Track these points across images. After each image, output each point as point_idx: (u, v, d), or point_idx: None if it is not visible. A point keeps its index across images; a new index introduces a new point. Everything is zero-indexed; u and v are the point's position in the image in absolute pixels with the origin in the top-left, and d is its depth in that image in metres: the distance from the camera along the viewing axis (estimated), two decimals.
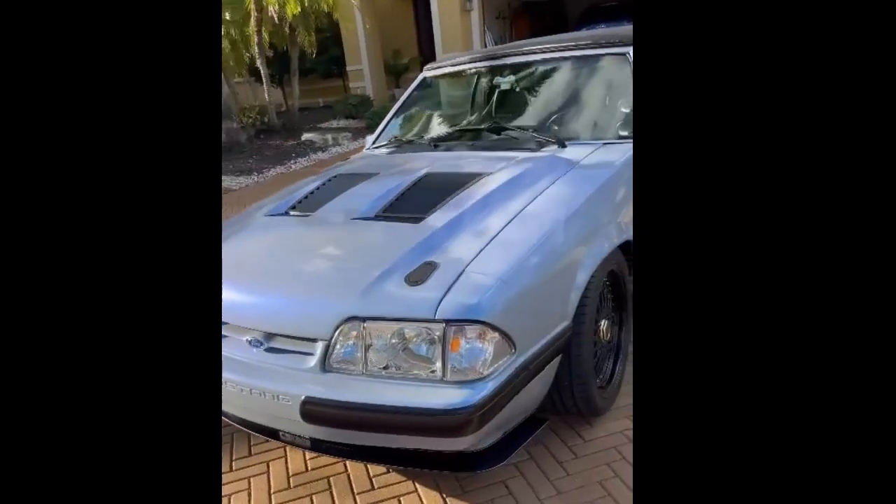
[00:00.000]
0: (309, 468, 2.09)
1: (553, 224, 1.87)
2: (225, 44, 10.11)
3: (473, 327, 1.57)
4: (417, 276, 1.67)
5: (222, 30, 9.82)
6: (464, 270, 1.67)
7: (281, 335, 1.79)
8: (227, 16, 9.78)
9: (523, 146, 2.52)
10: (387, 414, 1.58)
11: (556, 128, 2.68)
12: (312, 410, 1.65)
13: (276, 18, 9.30)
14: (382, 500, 1.90)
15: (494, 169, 2.28)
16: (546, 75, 2.90)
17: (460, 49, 10.81)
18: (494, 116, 2.94)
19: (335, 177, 2.58)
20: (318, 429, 1.71)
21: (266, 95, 10.45)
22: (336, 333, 1.67)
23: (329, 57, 13.66)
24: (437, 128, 3.07)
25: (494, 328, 1.58)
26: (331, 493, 1.96)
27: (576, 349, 1.89)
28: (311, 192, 2.44)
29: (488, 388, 1.57)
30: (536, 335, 1.73)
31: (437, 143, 2.82)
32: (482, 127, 2.88)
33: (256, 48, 9.70)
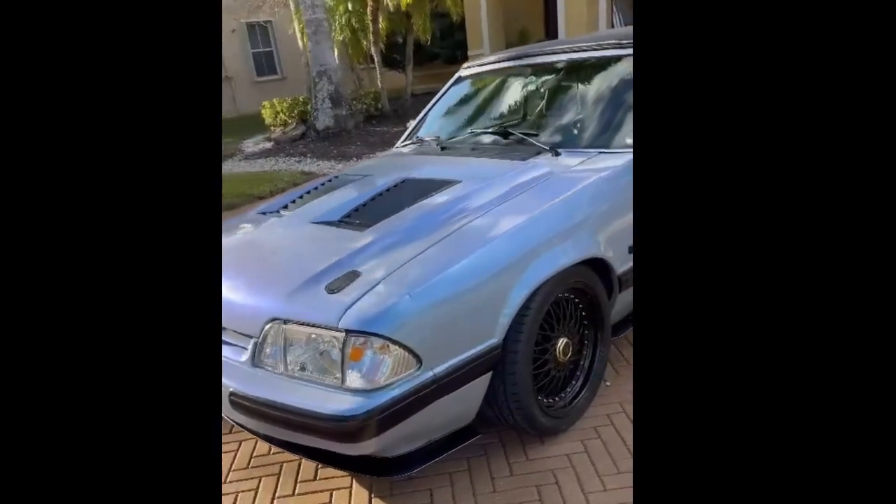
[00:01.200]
0: (270, 452, 2.24)
1: (488, 242, 1.84)
2: (347, 33, 10.59)
3: (374, 339, 1.61)
4: (337, 285, 1.74)
5: (343, 19, 10.30)
6: (377, 283, 1.70)
7: (228, 329, 1.93)
8: (348, 6, 10.24)
9: (518, 153, 2.47)
10: (290, 414, 1.67)
11: (557, 134, 2.59)
12: (237, 401, 1.78)
13: (390, 7, 9.56)
14: (318, 491, 2.01)
15: (468, 178, 2.27)
16: (559, 78, 2.80)
17: (584, 31, 10.44)
18: (505, 119, 2.89)
19: (335, 177, 2.68)
20: (243, 418, 1.83)
21: (378, 82, 10.82)
22: (263, 332, 1.78)
23: (453, 41, 13.81)
24: (453, 129, 3.07)
25: (394, 342, 1.61)
26: (278, 477, 2.10)
27: (509, 367, 1.86)
28: (306, 193, 2.56)
29: (384, 398, 1.61)
30: (450, 352, 1.72)
31: (443, 146, 2.83)
32: (478, 131, 2.85)
33: (372, 36, 10.05)
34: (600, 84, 2.65)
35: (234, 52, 16.53)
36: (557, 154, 2.39)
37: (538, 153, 2.43)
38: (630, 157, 2.28)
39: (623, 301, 2.29)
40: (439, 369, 1.69)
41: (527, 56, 2.98)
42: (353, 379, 1.63)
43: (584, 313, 2.16)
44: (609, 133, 2.47)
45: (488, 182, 2.20)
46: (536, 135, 2.57)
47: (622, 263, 2.18)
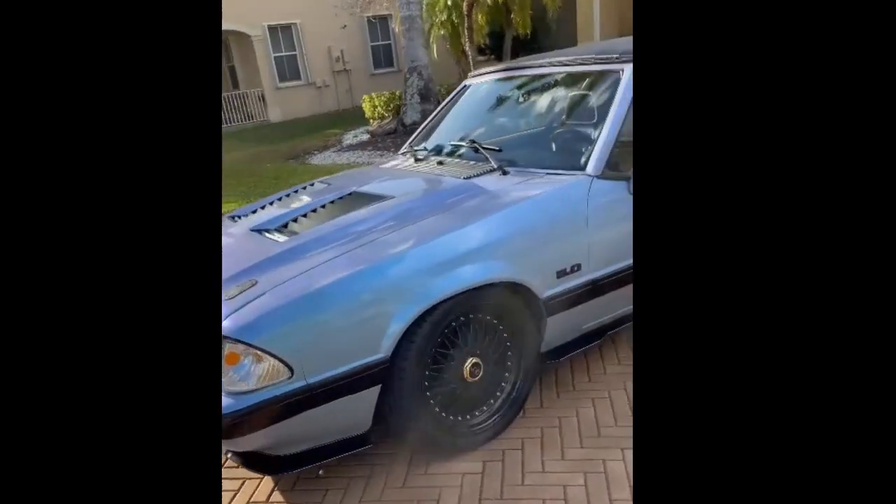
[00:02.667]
0: None
1: (381, 259, 1.90)
2: (448, 28, 10.75)
3: (245, 346, 1.74)
4: (234, 292, 1.88)
5: (443, 15, 10.46)
6: (264, 293, 1.83)
7: None
8: (447, 1, 10.38)
9: (470, 170, 2.49)
10: None
11: (516, 150, 2.57)
12: None
13: (488, 1, 9.59)
14: (233, 479, 2.18)
15: (404, 193, 2.32)
16: (532, 94, 2.76)
17: None
18: (480, 133, 2.88)
19: (310, 184, 2.83)
20: None
21: None
22: None
23: (559, 35, 13.58)
24: (442, 138, 3.10)
25: (263, 350, 1.73)
26: None
27: (397, 382, 1.92)
28: (279, 198, 2.73)
29: (250, 402, 1.74)
30: (329, 363, 1.81)
31: (418, 157, 2.89)
32: (450, 143, 2.86)
33: (466, 31, 10.14)
34: (562, 102, 2.59)
35: (354, 44, 17.28)
36: (505, 173, 2.38)
37: (492, 170, 2.43)
38: (574, 179, 2.24)
39: (557, 326, 2.25)
40: (314, 379, 1.79)
41: (520, 68, 2.95)
42: (229, 381, 1.76)
43: (505, 335, 2.16)
44: (561, 154, 2.42)
45: (418, 199, 2.25)
46: (499, 150, 2.57)
47: (548, 288, 2.15)
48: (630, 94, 2.35)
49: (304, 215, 2.35)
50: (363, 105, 11.21)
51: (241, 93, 16.44)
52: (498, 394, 2.21)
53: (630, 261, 2.33)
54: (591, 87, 2.55)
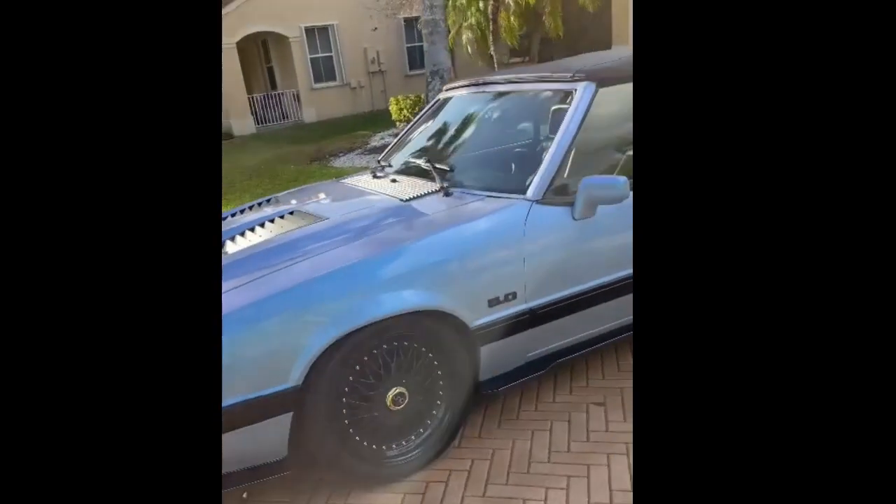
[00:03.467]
0: None
1: (288, 288, 1.87)
2: (477, 32, 10.68)
3: None
4: None
5: (473, 19, 10.40)
6: None
7: None
8: (479, 5, 10.30)
9: (415, 189, 2.44)
10: None
11: (466, 170, 2.49)
12: None
13: (512, 5, 9.48)
14: None
15: (341, 214, 2.29)
16: (494, 110, 2.68)
17: None
18: (438, 151, 2.82)
19: (273, 197, 2.83)
20: None
21: None
22: None
23: (598, 36, 13.33)
24: (407, 153, 3.04)
25: None
26: None
27: (308, 411, 1.88)
28: (244, 209, 2.74)
29: None
30: (233, 390, 1.79)
31: (375, 174, 2.84)
32: (406, 160, 2.80)
33: (491, 34, 10.04)
34: (515, 121, 2.50)
35: (391, 46, 17.34)
36: (448, 194, 2.32)
37: (435, 191, 2.37)
38: (511, 204, 2.16)
39: (495, 355, 2.18)
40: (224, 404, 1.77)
41: (486, 84, 2.88)
42: None
43: (436, 363, 2.10)
44: (506, 176, 2.34)
45: (350, 221, 2.21)
46: (449, 170, 2.50)
47: (478, 317, 2.08)
48: (580, 115, 2.26)
49: (242, 233, 2.34)
50: (390, 107, 11.24)
51: (277, 93, 16.70)
52: (428, 422, 2.15)
53: (573, 289, 2.24)
54: (544, 106, 2.46)
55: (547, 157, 2.21)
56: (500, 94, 2.73)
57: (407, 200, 2.34)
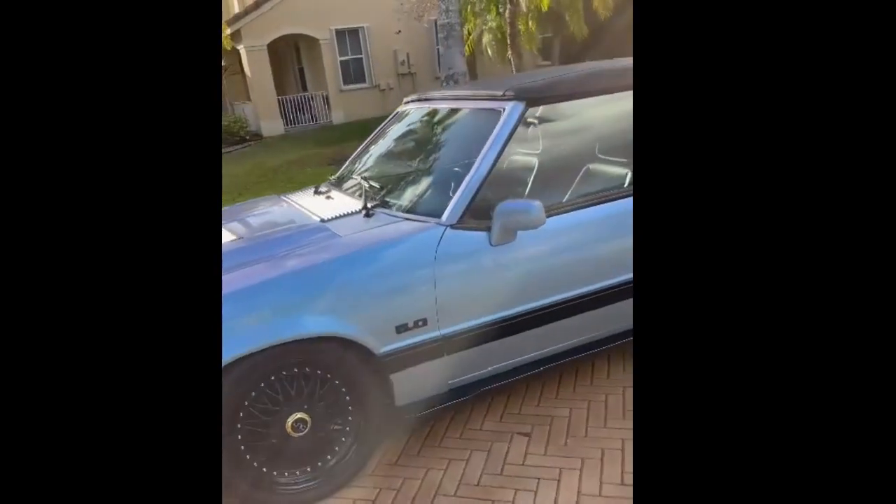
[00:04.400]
0: None
1: None
2: (497, 35, 10.58)
3: None
4: None
5: (493, 23, 10.30)
6: None
7: None
8: (498, 9, 10.20)
9: (342, 208, 2.40)
10: None
11: (394, 191, 2.44)
12: None
13: (525, 8, 9.36)
14: None
15: (253, 235, 2.27)
16: (432, 127, 2.62)
17: None
18: (379, 165, 2.77)
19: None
20: None
21: None
22: None
23: (621, 39, 13.08)
24: (354, 168, 3.01)
25: None
26: None
27: None
28: None
29: None
30: None
31: (317, 190, 2.81)
32: (343, 177, 2.76)
33: (509, 38, 9.94)
34: (446, 139, 2.44)
35: (420, 48, 17.36)
36: (370, 215, 2.27)
37: (358, 211, 2.33)
38: (425, 227, 2.10)
39: (411, 382, 2.12)
40: None
41: (431, 100, 2.82)
42: None
43: (344, 389, 2.06)
44: (426, 197, 2.28)
45: (261, 242, 2.18)
46: (379, 189, 2.46)
47: (385, 344, 2.03)
48: (504, 136, 2.18)
49: None
50: None
51: (306, 95, 16.90)
52: (336, 449, 2.11)
53: (492, 316, 2.17)
54: (474, 125, 2.39)
55: (465, 181, 2.14)
56: (443, 112, 2.67)
57: (325, 221, 2.30)
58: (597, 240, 2.31)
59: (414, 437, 2.39)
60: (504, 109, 2.25)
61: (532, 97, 2.26)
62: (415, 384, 2.15)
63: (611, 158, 2.74)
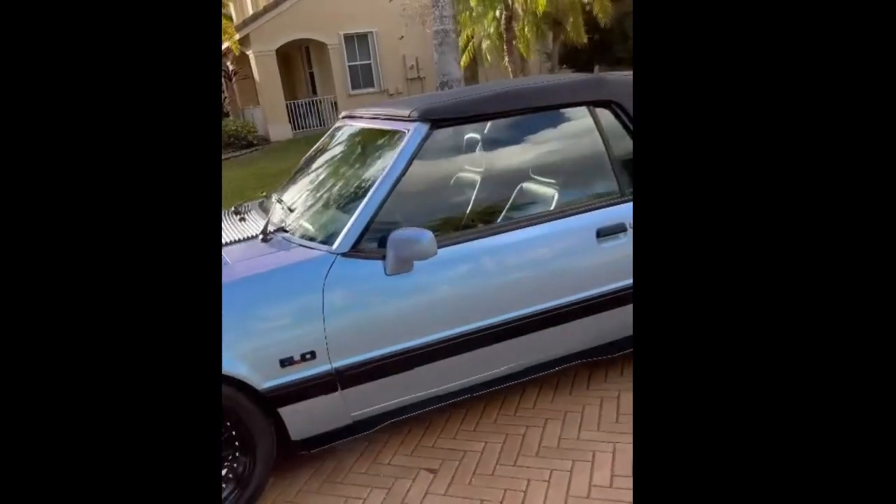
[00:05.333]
0: None
1: None
2: (495, 41, 10.47)
3: None
4: None
5: (491, 28, 10.19)
6: None
7: None
8: (496, 14, 10.09)
9: (243, 231, 2.32)
10: None
11: (302, 213, 2.35)
12: None
13: (520, 12, 9.24)
14: None
15: None
16: (348, 148, 2.53)
17: None
18: (297, 186, 2.68)
19: None
20: None
21: None
22: None
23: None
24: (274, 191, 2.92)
25: None
26: None
27: None
28: None
29: None
30: None
31: (236, 210, 2.73)
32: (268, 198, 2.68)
33: (506, 44, 9.82)
34: (353, 162, 2.35)
35: (429, 53, 17.27)
36: (267, 240, 2.19)
37: (255, 236, 2.25)
38: (313, 256, 2.01)
39: (304, 415, 2.03)
40: None
41: (354, 118, 2.73)
42: None
43: (228, 424, 1.98)
44: (323, 223, 2.19)
45: None
46: (290, 211, 2.37)
47: (268, 379, 1.94)
48: (405, 159, 2.09)
49: None
50: None
51: (315, 99, 16.94)
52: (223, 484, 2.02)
53: (391, 348, 2.07)
54: (382, 147, 2.30)
55: (359, 208, 2.05)
56: (362, 131, 2.57)
57: (227, 244, 2.22)
58: (512, 266, 2.20)
59: (318, 471, 2.30)
60: (408, 131, 2.16)
61: (437, 119, 2.16)
62: (309, 418, 2.06)
63: (542, 179, 2.63)
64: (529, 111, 2.32)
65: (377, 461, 2.32)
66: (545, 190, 2.57)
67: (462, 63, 11.24)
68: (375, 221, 2.05)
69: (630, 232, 2.30)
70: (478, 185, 2.89)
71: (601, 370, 2.72)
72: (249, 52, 15.70)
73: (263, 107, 15.95)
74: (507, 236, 2.20)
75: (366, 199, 2.05)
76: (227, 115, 16.89)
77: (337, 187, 2.32)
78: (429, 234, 1.91)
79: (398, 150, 2.11)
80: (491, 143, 3.03)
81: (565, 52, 11.61)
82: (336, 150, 2.64)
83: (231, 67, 16.43)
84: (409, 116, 2.19)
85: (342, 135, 2.75)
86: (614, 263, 2.29)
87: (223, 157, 10.64)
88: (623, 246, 2.30)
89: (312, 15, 15.57)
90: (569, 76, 2.61)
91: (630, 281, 2.33)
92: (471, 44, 10.62)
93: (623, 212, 2.32)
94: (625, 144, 2.40)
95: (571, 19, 9.68)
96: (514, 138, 2.95)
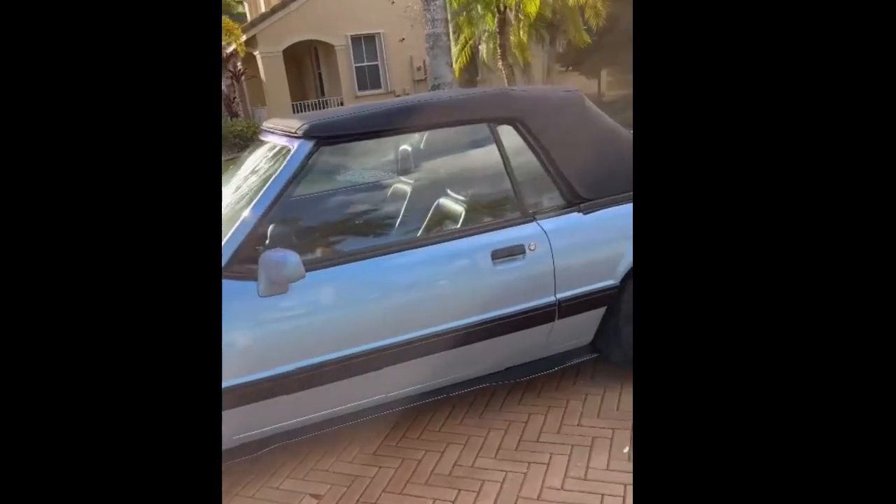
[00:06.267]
0: None
1: None
2: (492, 43, 10.38)
3: None
4: None
5: (489, 30, 10.09)
6: None
7: None
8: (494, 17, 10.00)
9: None
10: None
11: None
12: None
13: (512, 19, 9.14)
14: None
15: None
16: (248, 162, 2.48)
17: None
18: None
19: None
20: None
21: None
22: None
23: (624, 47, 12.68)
24: None
25: None
26: None
27: None
28: None
29: None
30: None
31: None
32: None
33: (499, 48, 9.73)
34: (252, 178, 2.31)
35: None
36: None
37: None
38: None
39: None
40: None
41: (264, 130, 2.68)
42: None
43: None
44: None
45: None
46: None
47: None
48: (286, 177, 2.03)
49: None
50: None
51: (322, 100, 16.99)
52: None
53: (267, 372, 2.02)
54: (270, 164, 2.25)
55: (234, 226, 2.00)
56: (264, 145, 2.53)
57: None
58: (398, 288, 2.14)
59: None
60: (295, 146, 2.11)
61: (323, 136, 2.10)
62: None
63: (456, 196, 2.56)
64: (425, 128, 2.25)
65: (268, 484, 2.27)
66: (457, 207, 2.51)
67: (459, 65, 11.18)
68: (269, 237, 2.01)
69: (529, 255, 2.23)
70: (407, 198, 2.84)
71: (518, 392, 2.64)
72: (256, 53, 15.80)
73: (269, 107, 16.04)
74: (396, 257, 2.14)
75: (240, 219, 2.00)
76: (238, 115, 17.00)
77: (227, 205, 2.28)
78: (294, 257, 1.85)
79: (280, 167, 2.06)
80: (422, 157, 2.98)
81: (575, 55, 11.44)
82: (242, 167, 2.60)
83: (239, 67, 16.53)
84: (295, 133, 2.14)
85: (253, 149, 2.71)
86: (509, 287, 2.21)
87: (227, 156, 10.68)
88: (520, 269, 2.22)
89: (319, 16, 15.62)
90: (474, 91, 2.53)
91: (527, 305, 2.26)
92: (468, 46, 10.53)
93: (522, 233, 2.25)
94: (531, 164, 2.33)
95: (568, 25, 9.55)
96: (441, 152, 2.90)
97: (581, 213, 2.32)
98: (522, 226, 2.26)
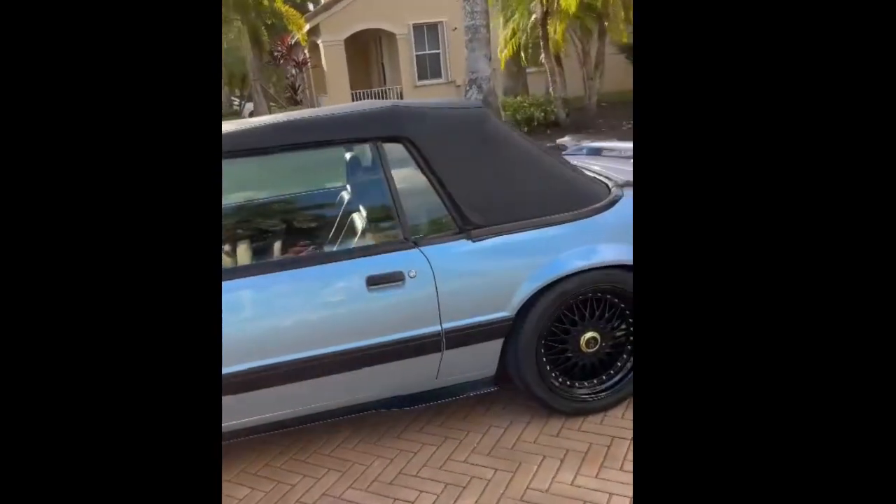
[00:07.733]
0: None
1: None
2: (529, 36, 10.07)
3: None
4: None
5: (525, 22, 9.80)
6: None
7: None
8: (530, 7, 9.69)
9: None
10: None
11: None
12: None
13: (540, 15, 8.79)
14: None
15: None
16: None
17: None
18: None
19: None
20: None
21: (551, 90, 10.06)
22: None
23: None
24: None
25: None
26: None
27: None
28: None
29: None
30: None
31: None
32: None
33: (542, 41, 9.41)
34: None
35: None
36: None
37: None
38: None
39: None
40: None
41: None
42: None
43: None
44: None
45: None
46: None
47: None
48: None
49: None
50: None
51: (383, 89, 17.11)
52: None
53: None
54: None
55: None
56: None
57: None
58: (270, 310, 2.09)
59: None
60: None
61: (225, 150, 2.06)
62: None
63: (361, 213, 2.48)
64: (305, 147, 2.17)
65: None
66: (360, 224, 2.43)
67: (506, 56, 10.91)
68: None
69: (410, 281, 2.12)
70: (342, 208, 2.78)
71: (445, 412, 2.55)
72: (319, 42, 16.07)
73: (330, 96, 16.31)
74: (272, 276, 2.09)
75: None
76: (300, 102, 17.39)
77: None
78: None
79: None
80: (351, 168, 2.91)
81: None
82: None
83: (303, 56, 16.88)
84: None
85: None
86: (383, 314, 2.12)
87: None
88: (398, 296, 2.12)
89: (383, 4, 15.67)
90: (362, 107, 2.40)
91: (408, 334, 2.15)
92: (514, 39, 10.26)
93: (403, 259, 2.14)
94: (421, 186, 2.20)
95: (613, 16, 9.10)
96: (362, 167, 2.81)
97: (470, 241, 2.18)
98: (404, 252, 2.15)
